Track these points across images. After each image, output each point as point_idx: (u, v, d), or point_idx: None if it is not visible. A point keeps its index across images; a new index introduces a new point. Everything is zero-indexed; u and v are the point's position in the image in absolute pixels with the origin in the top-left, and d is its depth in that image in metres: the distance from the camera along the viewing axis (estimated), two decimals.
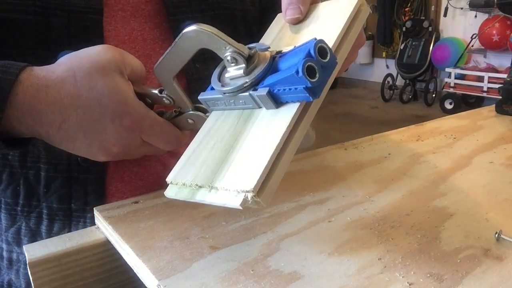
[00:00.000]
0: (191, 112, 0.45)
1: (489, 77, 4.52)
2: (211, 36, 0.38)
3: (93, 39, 0.51)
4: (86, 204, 0.55)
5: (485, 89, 4.58)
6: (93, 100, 0.41)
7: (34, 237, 0.56)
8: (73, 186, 0.54)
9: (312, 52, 0.33)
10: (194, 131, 0.43)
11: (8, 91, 0.40)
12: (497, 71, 4.61)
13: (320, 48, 0.34)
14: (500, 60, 4.80)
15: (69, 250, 0.43)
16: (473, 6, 4.76)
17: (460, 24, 5.18)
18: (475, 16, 4.95)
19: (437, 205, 0.48)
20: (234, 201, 0.33)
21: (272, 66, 0.37)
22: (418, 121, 0.83)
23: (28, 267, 0.42)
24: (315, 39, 0.34)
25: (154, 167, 0.58)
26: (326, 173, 0.58)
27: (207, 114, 0.43)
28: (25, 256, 0.57)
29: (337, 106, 5.30)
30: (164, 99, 0.45)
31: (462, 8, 5.04)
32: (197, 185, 0.36)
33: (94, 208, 0.49)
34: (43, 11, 0.49)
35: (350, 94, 5.98)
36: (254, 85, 0.37)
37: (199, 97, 0.42)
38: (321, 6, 0.42)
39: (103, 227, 0.46)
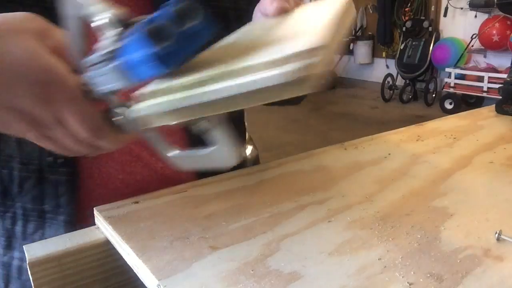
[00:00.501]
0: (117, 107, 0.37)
1: (489, 77, 4.52)
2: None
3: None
4: (59, 206, 0.54)
5: (485, 89, 4.57)
6: (7, 64, 0.36)
7: (10, 237, 0.56)
8: (45, 187, 0.54)
9: (170, 11, 0.27)
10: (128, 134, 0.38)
11: None
12: (497, 71, 4.60)
13: (181, 10, 0.27)
14: (500, 60, 4.79)
15: (69, 250, 0.43)
16: (473, 6, 4.75)
17: (460, 24, 5.18)
18: (475, 16, 4.95)
19: (437, 205, 0.48)
20: (286, 69, 0.25)
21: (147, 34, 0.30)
22: (418, 121, 0.83)
23: (28, 267, 0.42)
24: None
25: (139, 173, 0.57)
26: (326, 173, 0.58)
27: (136, 107, 0.34)
28: (2, 256, 0.56)
29: (337, 106, 5.30)
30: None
31: (462, 8, 5.04)
32: (198, 82, 0.27)
33: (94, 208, 0.49)
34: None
35: (350, 94, 5.98)
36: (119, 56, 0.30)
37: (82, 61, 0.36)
38: (307, 8, 0.40)
39: (103, 227, 0.46)
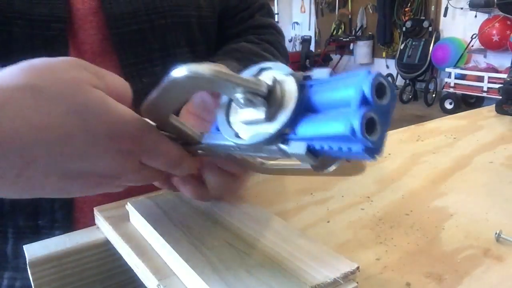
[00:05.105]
0: (201, 145, 0.34)
1: (489, 77, 4.52)
2: (212, 79, 0.27)
3: (58, 50, 0.49)
4: (54, 221, 0.53)
5: (485, 89, 4.58)
6: (74, 128, 0.29)
7: None
8: (40, 203, 0.52)
9: (369, 94, 0.23)
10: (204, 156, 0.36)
11: None
12: (497, 71, 4.61)
13: (379, 87, 0.23)
14: (500, 60, 4.80)
15: (69, 250, 0.43)
16: (473, 6, 4.76)
17: (460, 24, 5.18)
18: (475, 16, 4.95)
19: (437, 205, 0.48)
20: None
21: (303, 102, 0.26)
22: (418, 121, 0.83)
23: (28, 267, 0.42)
24: (369, 72, 0.23)
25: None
26: None
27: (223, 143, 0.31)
28: None
29: None
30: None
31: (462, 8, 5.05)
32: None
33: (94, 208, 0.49)
34: (4, 20, 0.46)
35: None
36: (282, 134, 0.27)
37: (203, 141, 0.33)
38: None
39: (103, 227, 0.46)
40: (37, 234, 0.53)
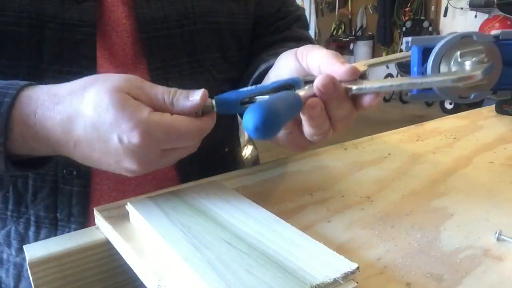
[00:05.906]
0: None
1: None
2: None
3: (85, 53, 0.50)
4: (71, 215, 0.55)
5: None
6: (97, 118, 0.38)
7: (23, 241, 0.57)
8: (58, 197, 0.55)
9: None
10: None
11: (5, 117, 0.38)
12: None
13: None
14: None
15: (69, 250, 0.43)
16: (473, 6, 4.75)
17: (460, 24, 5.17)
18: (475, 16, 4.95)
19: (437, 205, 0.48)
20: None
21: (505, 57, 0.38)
22: (418, 121, 0.83)
23: (28, 267, 0.42)
24: None
25: (142, 186, 0.58)
26: (326, 173, 0.58)
27: None
28: (14, 257, 0.57)
29: None
30: None
31: (462, 8, 5.04)
32: None
33: (94, 208, 0.49)
34: (37, 24, 0.48)
35: None
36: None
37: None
38: None
39: (103, 227, 0.46)
40: (55, 226, 0.56)
